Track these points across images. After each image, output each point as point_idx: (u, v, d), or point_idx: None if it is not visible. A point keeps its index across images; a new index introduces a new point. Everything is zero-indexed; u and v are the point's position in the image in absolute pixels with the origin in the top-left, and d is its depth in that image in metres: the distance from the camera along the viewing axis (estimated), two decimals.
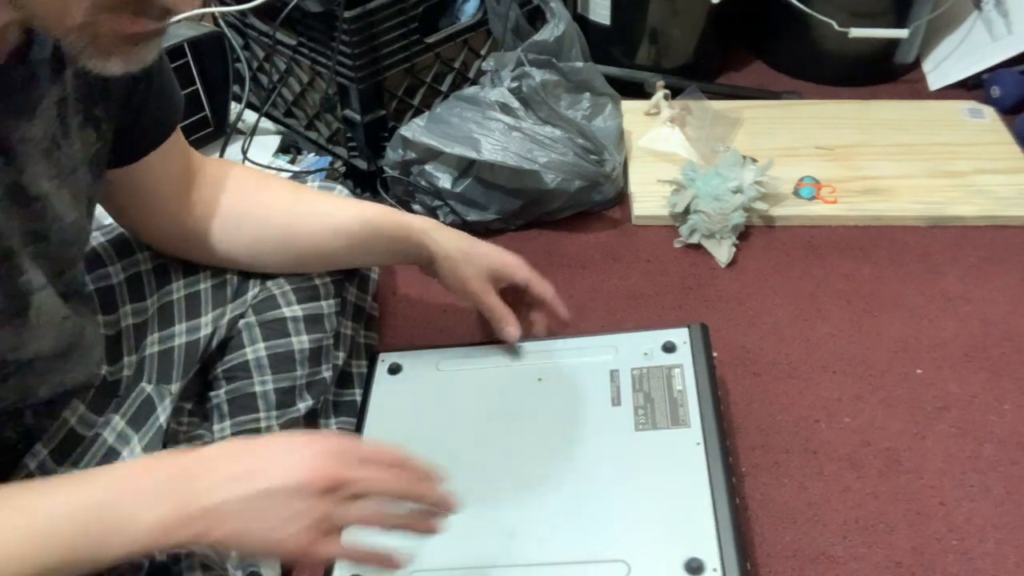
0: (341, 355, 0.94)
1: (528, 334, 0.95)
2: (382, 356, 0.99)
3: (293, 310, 0.88)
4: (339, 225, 0.86)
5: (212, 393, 0.87)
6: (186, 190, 0.82)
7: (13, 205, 0.59)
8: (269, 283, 0.89)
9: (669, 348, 0.93)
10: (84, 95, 0.65)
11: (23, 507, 0.54)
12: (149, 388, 0.80)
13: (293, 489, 0.56)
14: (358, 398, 0.95)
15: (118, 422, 0.76)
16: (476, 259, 0.91)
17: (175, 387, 0.81)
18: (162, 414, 0.78)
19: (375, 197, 1.30)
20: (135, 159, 0.75)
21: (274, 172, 1.29)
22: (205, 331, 0.85)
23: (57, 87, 0.61)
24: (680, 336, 0.94)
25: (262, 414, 0.86)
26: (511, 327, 0.92)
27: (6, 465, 0.70)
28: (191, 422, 0.86)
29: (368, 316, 1.03)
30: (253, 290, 0.88)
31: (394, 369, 0.97)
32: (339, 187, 1.02)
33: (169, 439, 0.80)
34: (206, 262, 0.86)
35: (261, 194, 0.87)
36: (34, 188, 0.61)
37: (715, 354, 0.93)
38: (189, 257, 0.86)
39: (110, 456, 0.74)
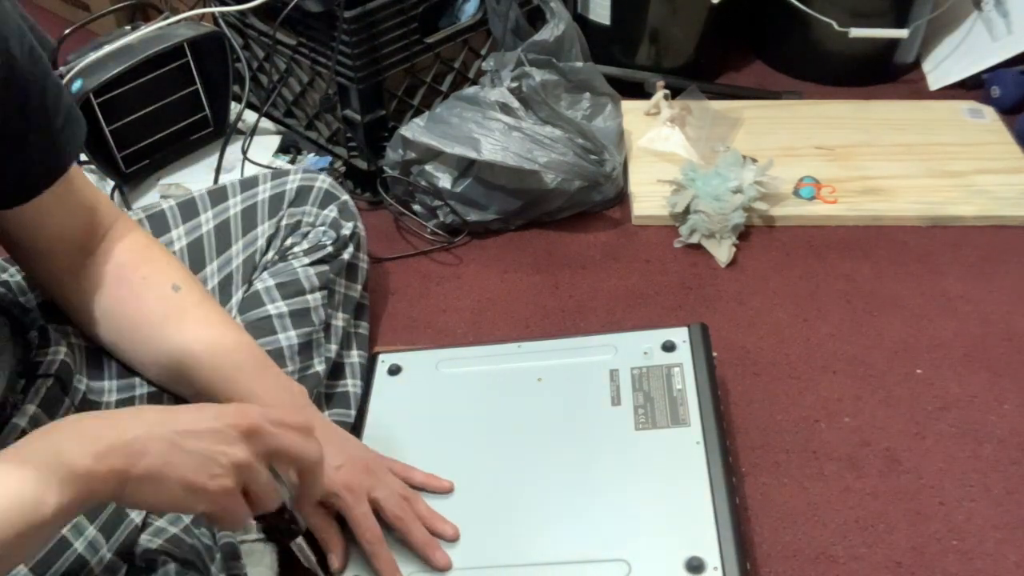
0: (333, 347, 0.93)
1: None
2: (382, 356, 0.99)
3: (278, 306, 0.88)
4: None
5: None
6: (79, 252, 0.75)
7: None
8: (255, 281, 0.89)
9: (669, 347, 0.93)
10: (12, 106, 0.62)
11: None
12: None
13: (216, 430, 0.56)
14: (351, 389, 0.95)
15: None
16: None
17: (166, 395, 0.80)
18: None
19: (375, 197, 1.30)
20: (13, 203, 0.68)
21: (272, 171, 1.29)
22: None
23: None
24: (680, 335, 0.94)
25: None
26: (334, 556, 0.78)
27: None
28: None
29: (359, 306, 1.03)
30: (236, 294, 0.88)
31: (394, 370, 0.97)
32: (322, 176, 1.00)
33: None
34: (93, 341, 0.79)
35: (140, 293, 0.77)
36: None
37: (715, 354, 0.93)
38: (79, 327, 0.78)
39: None
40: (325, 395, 0.94)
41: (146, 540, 0.68)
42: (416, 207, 1.28)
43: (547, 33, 1.26)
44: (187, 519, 0.73)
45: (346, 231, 0.97)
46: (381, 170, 1.28)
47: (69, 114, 0.70)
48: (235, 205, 0.93)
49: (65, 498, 0.50)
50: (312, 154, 1.37)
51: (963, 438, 0.98)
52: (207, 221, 0.91)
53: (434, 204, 1.25)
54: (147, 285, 0.77)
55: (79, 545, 0.65)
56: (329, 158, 1.35)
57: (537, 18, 1.36)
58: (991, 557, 0.87)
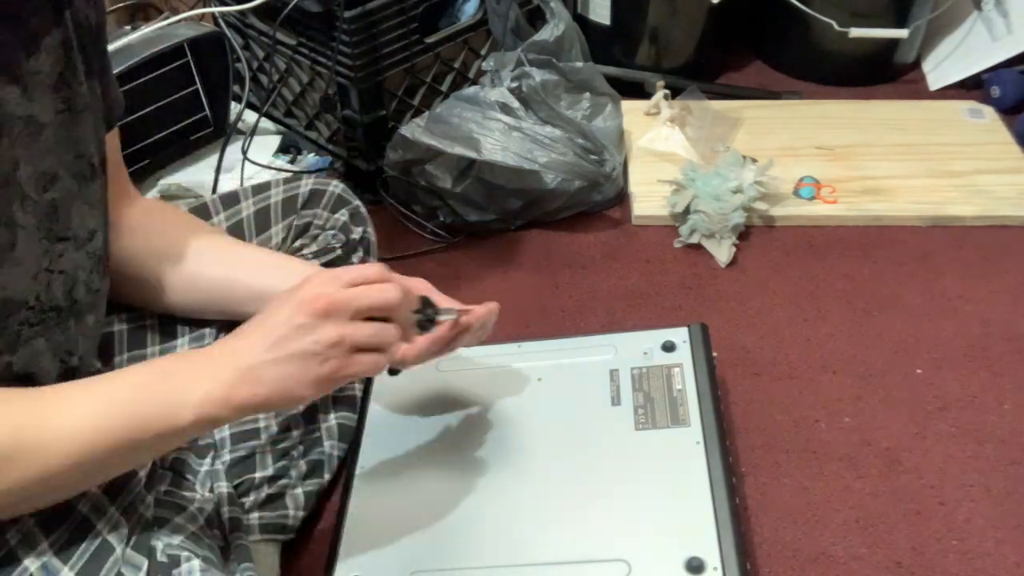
0: None
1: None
2: None
3: None
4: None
5: None
6: (117, 201, 0.77)
7: (29, 137, 0.60)
8: None
9: (669, 347, 0.93)
10: (83, 46, 0.65)
11: (85, 389, 0.60)
12: None
13: (299, 324, 0.62)
14: (358, 392, 0.95)
15: None
16: None
17: None
18: None
19: (375, 197, 1.30)
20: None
21: (274, 172, 1.29)
22: (209, 340, 0.85)
23: (59, 29, 0.62)
24: (680, 335, 0.94)
25: (260, 414, 0.86)
26: None
27: None
28: None
29: None
30: None
31: (394, 370, 0.97)
32: (335, 181, 1.01)
33: None
34: (116, 296, 0.80)
35: (195, 238, 0.81)
36: (44, 117, 0.62)
37: (715, 354, 0.93)
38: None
39: None
40: (333, 398, 0.94)
41: (166, 537, 0.68)
42: (416, 207, 1.28)
43: (547, 33, 1.26)
44: (202, 519, 0.73)
45: (355, 235, 0.97)
46: (381, 170, 1.28)
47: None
48: (247, 208, 0.93)
49: (198, 419, 0.60)
50: (312, 154, 1.37)
51: (963, 438, 0.98)
52: (219, 224, 0.91)
53: (434, 204, 1.26)
54: (180, 214, 0.85)
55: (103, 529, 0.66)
56: (329, 158, 1.35)
57: (537, 18, 1.36)
58: (991, 557, 0.87)
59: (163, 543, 0.67)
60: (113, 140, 0.76)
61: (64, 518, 0.64)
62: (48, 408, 0.58)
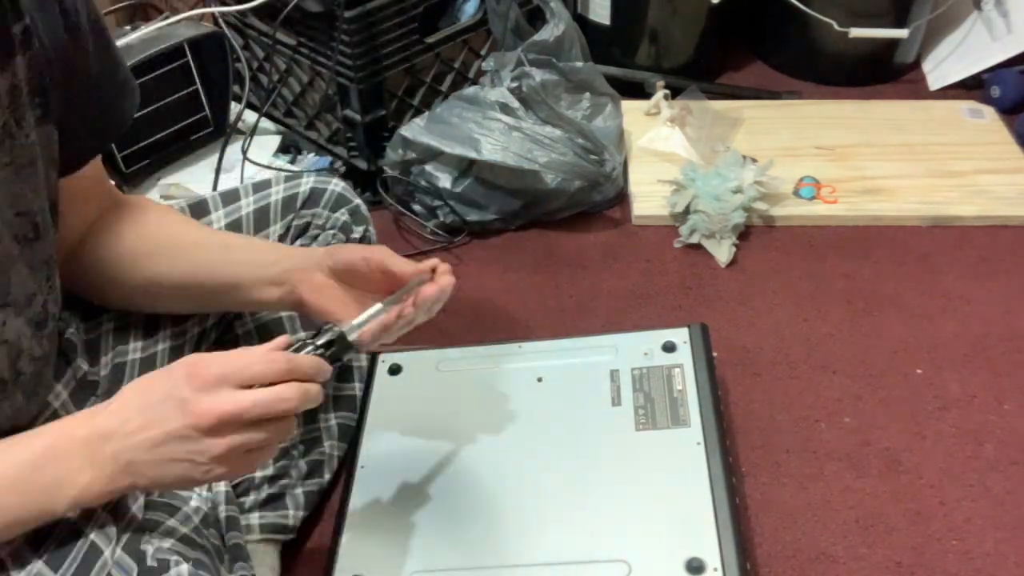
0: None
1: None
2: (382, 356, 0.99)
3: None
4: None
5: None
6: (102, 216, 0.77)
7: None
8: None
9: (669, 348, 0.93)
10: (36, 88, 0.62)
11: None
12: None
13: (185, 436, 0.58)
14: (358, 392, 0.95)
15: None
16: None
17: None
18: None
19: (375, 197, 1.30)
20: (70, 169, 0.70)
21: (274, 172, 1.29)
22: (191, 333, 0.85)
23: (5, 75, 0.59)
24: (680, 336, 0.94)
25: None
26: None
27: None
28: None
29: None
30: None
31: (394, 369, 0.97)
32: (335, 179, 1.01)
33: None
34: (98, 300, 0.80)
35: (178, 226, 0.81)
36: None
37: (715, 354, 0.93)
38: (79, 292, 0.79)
39: None
40: (333, 397, 0.94)
41: (157, 540, 0.68)
42: (416, 207, 1.28)
43: (547, 33, 1.26)
44: (197, 519, 0.73)
45: (356, 235, 0.97)
46: (381, 170, 1.28)
47: (123, 82, 0.73)
48: (247, 205, 0.93)
49: (78, 505, 0.59)
50: (312, 154, 1.37)
51: (963, 438, 0.98)
52: (218, 220, 0.91)
53: (434, 204, 1.25)
54: (166, 210, 0.83)
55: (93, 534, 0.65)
56: (329, 158, 1.35)
57: (537, 18, 1.36)
58: (991, 557, 0.87)
59: (153, 547, 0.66)
60: (96, 161, 0.74)
61: (53, 526, 0.63)
62: None
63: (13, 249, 0.62)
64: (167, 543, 0.68)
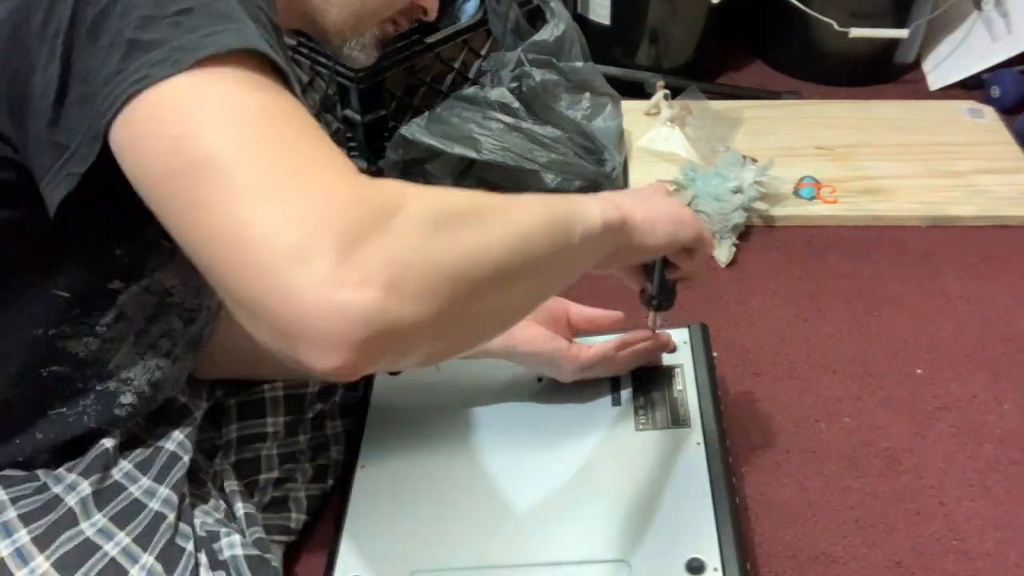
0: None
1: None
2: None
3: None
4: None
5: (220, 396, 0.87)
6: None
7: None
8: None
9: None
10: None
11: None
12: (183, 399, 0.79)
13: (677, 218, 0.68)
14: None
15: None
16: None
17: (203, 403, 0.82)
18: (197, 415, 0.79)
19: None
20: None
21: None
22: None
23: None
24: (680, 336, 0.94)
25: (269, 419, 0.86)
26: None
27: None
28: (202, 425, 0.86)
29: None
30: None
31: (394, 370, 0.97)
32: None
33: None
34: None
35: None
36: None
37: (715, 354, 0.93)
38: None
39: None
40: (341, 405, 0.94)
41: (200, 517, 0.71)
42: None
43: (547, 33, 1.26)
44: (220, 515, 0.74)
45: None
46: (381, 170, 1.28)
47: None
48: None
49: (589, 230, 0.59)
50: None
51: (963, 438, 0.98)
52: None
53: None
54: None
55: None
56: None
57: (537, 18, 1.36)
58: (991, 557, 0.87)
59: (199, 521, 0.70)
60: None
61: (116, 492, 0.66)
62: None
63: None
64: (210, 520, 0.72)
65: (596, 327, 0.89)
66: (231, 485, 0.80)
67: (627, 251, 0.65)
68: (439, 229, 0.45)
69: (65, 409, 0.66)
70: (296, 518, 0.87)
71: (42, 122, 0.50)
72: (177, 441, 0.73)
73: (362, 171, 0.46)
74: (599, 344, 0.87)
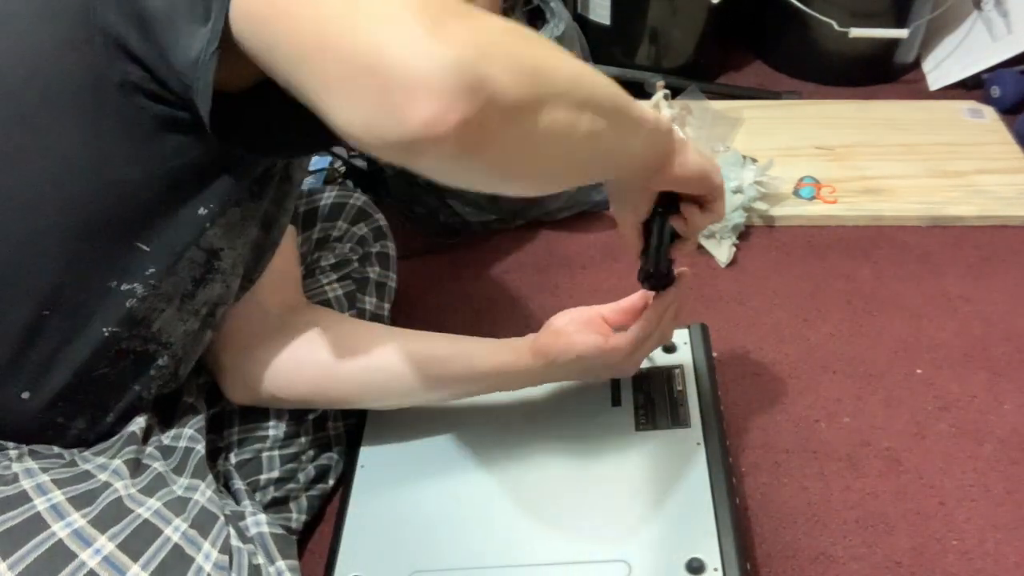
0: None
1: None
2: None
3: None
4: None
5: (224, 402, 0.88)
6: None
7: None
8: None
9: (669, 348, 0.93)
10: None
11: None
12: (190, 399, 0.82)
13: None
14: None
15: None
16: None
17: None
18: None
19: (375, 197, 1.30)
20: None
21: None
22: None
23: None
24: (680, 336, 0.94)
25: (270, 421, 0.87)
26: None
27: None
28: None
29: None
30: None
31: None
32: (356, 194, 1.02)
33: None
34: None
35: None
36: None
37: (715, 354, 0.93)
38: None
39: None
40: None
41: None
42: (416, 207, 1.28)
43: (547, 33, 1.26)
44: (228, 511, 0.74)
45: (373, 249, 0.97)
46: (381, 170, 1.28)
47: None
48: None
49: (659, 122, 0.62)
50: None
51: (963, 438, 0.98)
52: None
53: (434, 204, 1.25)
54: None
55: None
56: (329, 158, 1.35)
57: (537, 18, 1.36)
58: (991, 557, 0.87)
59: (224, 502, 0.71)
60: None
61: (143, 468, 0.69)
62: None
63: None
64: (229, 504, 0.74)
65: (632, 312, 0.82)
66: (236, 484, 0.80)
67: (663, 167, 0.65)
68: (522, 35, 0.49)
69: (109, 370, 0.68)
70: (297, 518, 0.87)
71: (169, 24, 0.52)
72: (188, 436, 0.75)
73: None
74: (636, 323, 0.81)
